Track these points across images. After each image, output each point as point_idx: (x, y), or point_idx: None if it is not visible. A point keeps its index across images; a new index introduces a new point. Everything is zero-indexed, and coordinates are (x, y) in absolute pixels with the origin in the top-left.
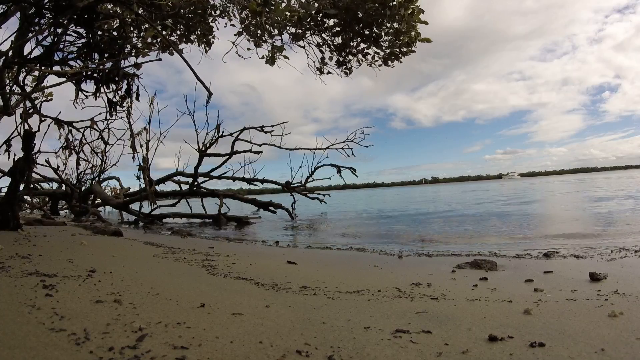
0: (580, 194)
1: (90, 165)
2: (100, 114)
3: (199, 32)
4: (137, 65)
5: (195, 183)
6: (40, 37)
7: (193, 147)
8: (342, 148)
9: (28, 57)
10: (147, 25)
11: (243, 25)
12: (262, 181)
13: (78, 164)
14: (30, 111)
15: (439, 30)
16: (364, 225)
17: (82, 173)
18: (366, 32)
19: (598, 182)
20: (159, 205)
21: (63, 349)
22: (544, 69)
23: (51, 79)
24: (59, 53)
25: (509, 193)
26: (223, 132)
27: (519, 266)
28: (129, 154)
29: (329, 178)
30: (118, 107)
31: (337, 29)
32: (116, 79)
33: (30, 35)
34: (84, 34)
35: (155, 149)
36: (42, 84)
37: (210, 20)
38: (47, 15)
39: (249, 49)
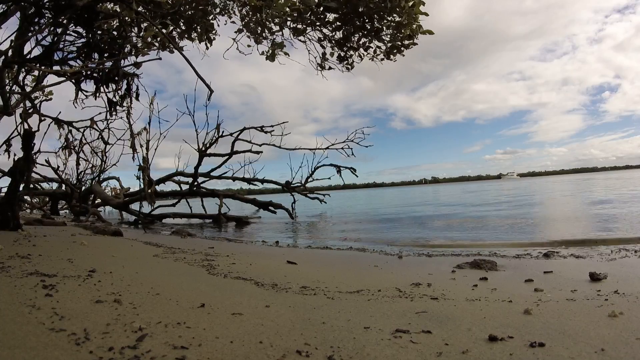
0: (580, 194)
1: (90, 165)
2: (100, 113)
3: (200, 30)
4: (137, 65)
5: (195, 183)
6: (40, 37)
7: (193, 147)
8: (342, 148)
9: (28, 57)
10: (146, 24)
11: (243, 23)
12: (262, 181)
13: (78, 164)
14: (30, 111)
15: (439, 30)
16: (364, 225)
17: (82, 173)
18: (367, 26)
19: (598, 182)
20: (159, 205)
21: (63, 349)
22: (544, 69)
23: (51, 79)
24: (58, 53)
25: (509, 193)
26: (223, 132)
27: (519, 266)
28: (129, 154)
29: (329, 178)
30: (118, 107)
31: (338, 23)
32: (116, 78)
33: (30, 34)
34: (84, 34)
35: (155, 149)
36: (42, 84)
37: (210, 18)
38: (46, 14)
39: (249, 46)
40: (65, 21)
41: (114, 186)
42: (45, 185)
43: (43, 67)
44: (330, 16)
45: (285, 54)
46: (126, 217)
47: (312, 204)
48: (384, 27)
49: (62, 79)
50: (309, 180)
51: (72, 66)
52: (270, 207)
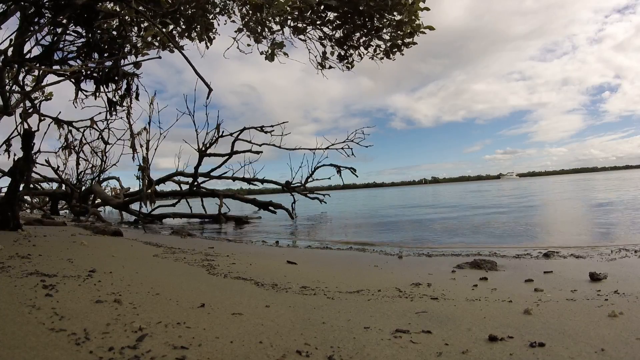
0: (579, 193)
1: (90, 165)
2: (100, 113)
3: (200, 29)
4: (137, 64)
5: (195, 183)
6: (39, 37)
7: (193, 147)
8: (342, 148)
9: (28, 57)
10: (146, 24)
11: (243, 22)
12: (262, 181)
13: (78, 164)
14: (30, 111)
15: (439, 30)
16: (364, 225)
17: (82, 173)
18: (368, 24)
19: (598, 183)
20: (159, 205)
21: (63, 349)
22: (544, 69)
23: (51, 79)
24: (58, 52)
25: (508, 194)
26: (223, 132)
27: (519, 266)
28: (129, 154)
29: (329, 178)
30: (118, 107)
31: (339, 21)
32: (116, 78)
33: (29, 34)
34: (84, 33)
35: (155, 149)
36: (42, 83)
37: (210, 17)
38: (46, 14)
39: (249, 45)
40: (65, 21)
41: (114, 186)
42: (45, 185)
43: (43, 67)
44: (331, 15)
45: (285, 54)
46: (126, 217)
47: (312, 204)
48: (384, 26)
49: (62, 78)
50: (309, 180)
51: (72, 66)
52: (270, 207)
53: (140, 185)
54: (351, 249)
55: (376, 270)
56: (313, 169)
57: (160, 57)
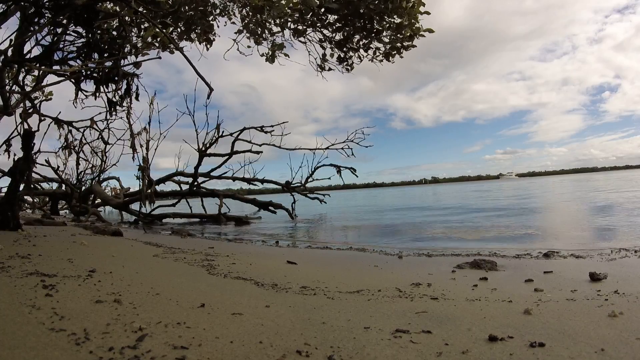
0: (579, 194)
1: (90, 165)
2: (100, 113)
3: (199, 31)
4: (137, 64)
5: (195, 183)
6: (39, 37)
7: (193, 147)
8: (342, 148)
9: (28, 57)
10: (146, 24)
11: (243, 23)
12: (262, 181)
13: (78, 164)
14: (30, 111)
15: (438, 30)
16: (364, 226)
17: (82, 173)
18: (368, 27)
19: (599, 183)
20: (159, 205)
21: (63, 349)
22: (544, 69)
23: (51, 79)
24: (58, 52)
25: (509, 194)
26: (223, 132)
27: (519, 266)
28: (129, 154)
29: (329, 178)
30: (118, 107)
31: (339, 24)
32: (116, 78)
33: (29, 34)
34: (84, 33)
35: (155, 149)
36: (42, 84)
37: (210, 19)
38: (46, 14)
39: (249, 47)
40: (64, 21)
41: (114, 186)
42: (45, 185)
43: (43, 67)
44: (331, 17)
45: (285, 55)
46: (126, 217)
47: (312, 204)
48: (384, 29)
49: (62, 78)
50: (309, 180)
51: (72, 66)
52: (270, 207)
53: (140, 185)
54: (351, 249)
55: (376, 270)
56: (313, 169)
57: (160, 58)
